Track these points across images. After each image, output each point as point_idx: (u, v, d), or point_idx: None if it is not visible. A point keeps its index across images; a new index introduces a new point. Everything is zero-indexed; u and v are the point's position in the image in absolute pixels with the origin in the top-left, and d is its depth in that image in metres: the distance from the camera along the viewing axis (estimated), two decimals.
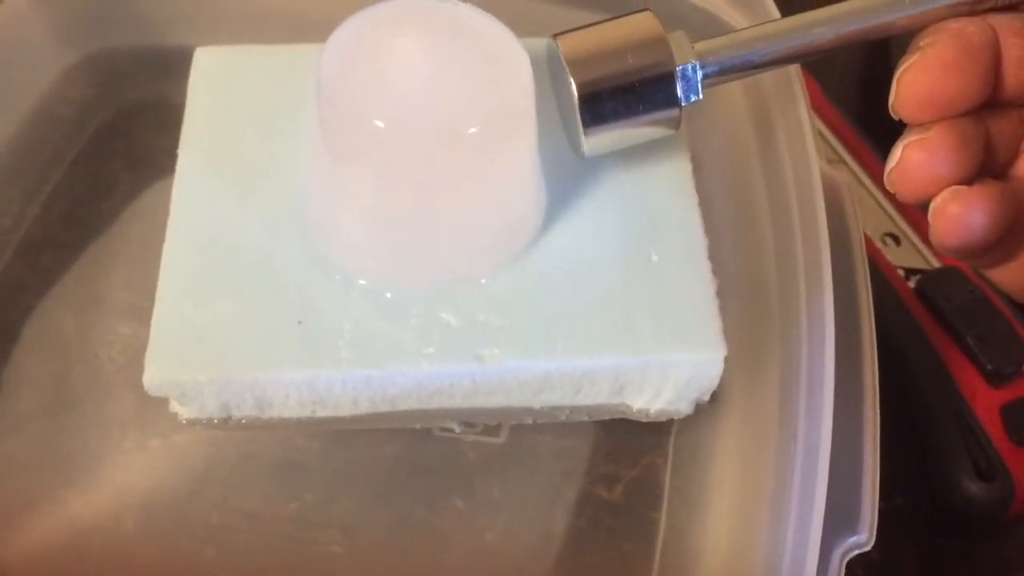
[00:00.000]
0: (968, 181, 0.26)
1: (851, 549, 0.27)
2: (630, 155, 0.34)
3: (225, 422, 0.33)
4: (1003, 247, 0.27)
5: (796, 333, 0.32)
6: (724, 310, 0.33)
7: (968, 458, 0.38)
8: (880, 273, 0.42)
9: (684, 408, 0.34)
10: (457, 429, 0.35)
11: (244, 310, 0.32)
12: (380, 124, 0.29)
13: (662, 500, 0.34)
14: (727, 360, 0.35)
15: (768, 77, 0.36)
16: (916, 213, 0.44)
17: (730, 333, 0.36)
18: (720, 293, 0.34)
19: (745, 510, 0.32)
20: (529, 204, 0.33)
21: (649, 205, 0.34)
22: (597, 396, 0.33)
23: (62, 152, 0.41)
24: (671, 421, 0.36)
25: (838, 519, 0.28)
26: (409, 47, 0.30)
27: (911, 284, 0.42)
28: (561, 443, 0.35)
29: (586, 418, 0.34)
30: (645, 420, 0.34)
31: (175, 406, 0.33)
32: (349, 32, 0.30)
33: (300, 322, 0.31)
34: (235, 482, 0.34)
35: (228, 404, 0.32)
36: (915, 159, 0.26)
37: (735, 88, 0.38)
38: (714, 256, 0.37)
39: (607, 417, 0.34)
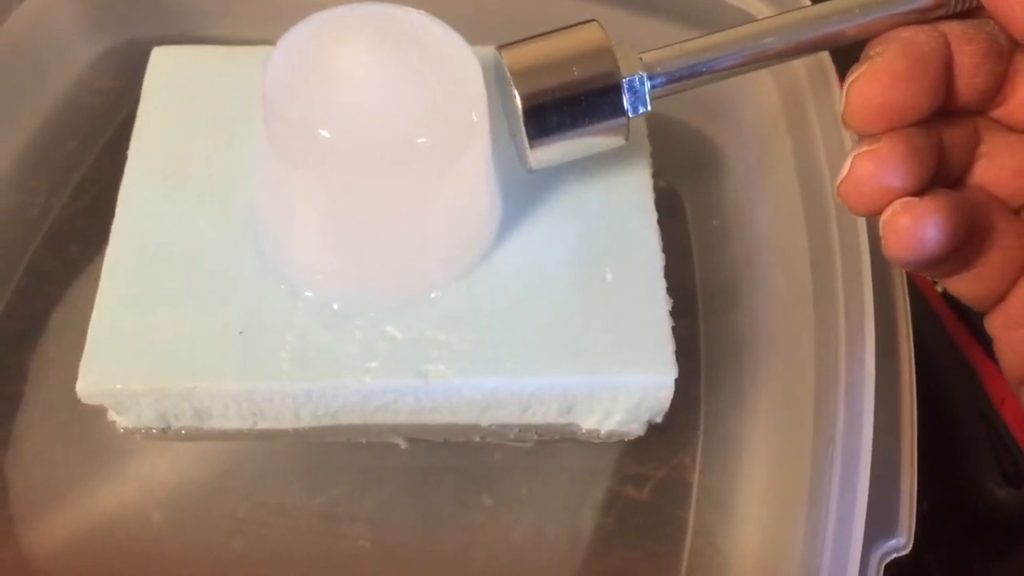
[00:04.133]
0: (920, 192, 0.25)
1: (889, 553, 0.27)
2: (589, 170, 0.34)
3: (164, 432, 0.32)
4: (958, 257, 0.26)
5: (833, 335, 0.31)
6: (758, 302, 0.33)
7: (996, 463, 0.37)
8: (908, 277, 0.42)
9: (636, 429, 0.33)
10: (403, 445, 0.34)
11: (184, 319, 0.31)
12: (326, 134, 0.28)
13: (690, 500, 0.34)
14: (758, 361, 0.35)
15: (801, 65, 0.35)
16: None
17: (762, 334, 0.36)
18: (751, 294, 0.34)
19: (777, 513, 0.32)
20: (481, 218, 0.32)
21: (606, 222, 0.33)
22: (545, 415, 0.33)
23: (89, 143, 0.41)
24: (699, 421, 0.35)
25: (876, 523, 0.27)
26: (358, 55, 0.29)
27: (939, 289, 0.41)
28: (589, 443, 0.35)
29: (536, 437, 0.34)
30: (596, 441, 0.34)
31: (113, 415, 0.32)
32: (297, 38, 0.29)
33: (242, 332, 0.31)
34: (262, 476, 0.34)
35: (166, 414, 0.32)
36: (864, 171, 0.25)
37: (764, 77, 0.38)
38: (746, 256, 0.37)
39: (557, 437, 0.34)
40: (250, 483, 0.34)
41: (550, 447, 0.35)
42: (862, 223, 0.31)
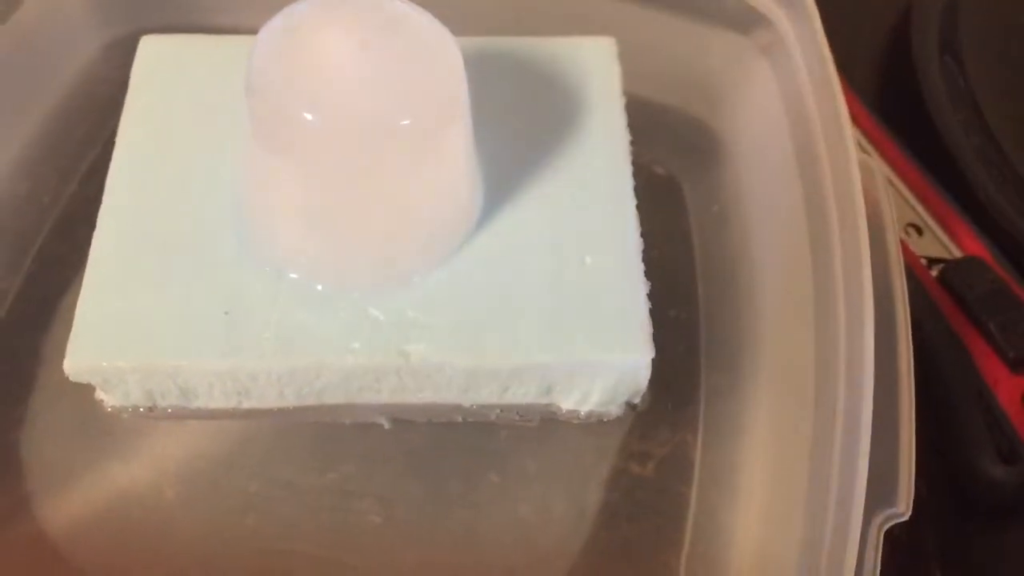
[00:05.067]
0: None
1: (889, 519, 0.28)
2: (569, 154, 0.35)
3: (150, 411, 0.33)
4: None
5: (832, 318, 0.32)
6: (757, 286, 0.34)
7: (991, 443, 0.38)
8: (905, 262, 0.42)
9: (615, 410, 0.34)
10: (387, 426, 0.35)
11: (170, 299, 0.32)
12: (309, 117, 0.29)
13: (693, 476, 0.35)
14: (758, 341, 0.36)
15: (799, 54, 0.36)
16: (939, 204, 0.44)
17: (762, 315, 0.37)
18: (751, 277, 0.35)
19: (780, 485, 0.33)
20: (462, 203, 0.33)
21: (586, 207, 0.34)
22: (525, 396, 0.33)
23: (97, 131, 0.41)
24: (700, 400, 0.36)
25: (875, 492, 0.28)
26: (340, 39, 0.30)
27: (934, 273, 0.42)
28: (594, 420, 0.36)
29: (516, 418, 0.35)
30: (576, 422, 0.34)
31: (100, 393, 0.33)
32: (280, 24, 0.30)
33: (227, 312, 0.31)
34: (272, 453, 0.35)
35: (152, 393, 0.32)
36: None
37: (763, 66, 0.39)
38: (746, 241, 0.38)
39: (538, 418, 0.35)
40: (261, 460, 0.34)
41: (555, 426, 0.35)
42: (860, 209, 0.32)
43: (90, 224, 0.39)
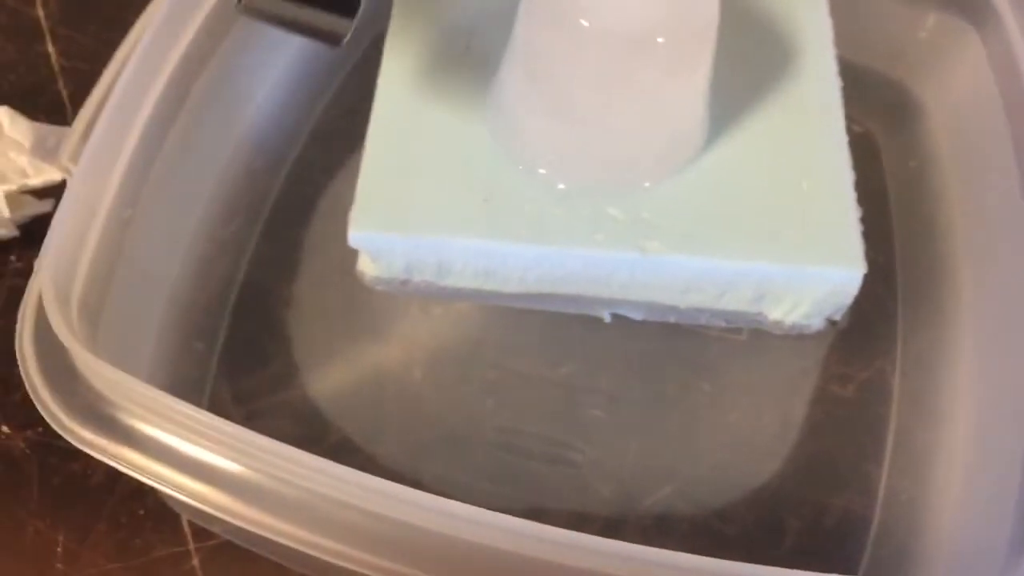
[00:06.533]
0: None
1: None
2: (785, 90, 0.37)
3: (403, 284, 0.36)
4: None
5: None
6: (957, 236, 0.36)
7: None
8: None
9: (816, 324, 0.36)
10: (607, 319, 0.37)
11: (437, 185, 0.35)
12: (584, 24, 0.32)
13: (892, 399, 0.37)
14: (955, 282, 0.39)
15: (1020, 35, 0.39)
16: None
17: (959, 258, 0.39)
18: (952, 222, 0.37)
19: (984, 410, 0.35)
20: (696, 121, 0.36)
21: (803, 140, 0.37)
22: (738, 302, 0.36)
23: (343, 60, 0.45)
24: (896, 332, 0.39)
25: None
26: None
27: None
28: (797, 343, 0.38)
29: (723, 323, 0.37)
30: (778, 332, 0.37)
31: (363, 263, 0.36)
32: None
33: (485, 200, 0.35)
34: (508, 347, 0.38)
35: (412, 266, 0.36)
36: None
37: (977, 44, 0.41)
38: (944, 192, 0.41)
39: (742, 325, 0.37)
40: (498, 351, 0.38)
41: (763, 343, 0.38)
42: None
43: (342, 135, 0.43)
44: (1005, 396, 0.35)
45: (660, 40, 0.33)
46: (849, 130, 0.44)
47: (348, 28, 0.30)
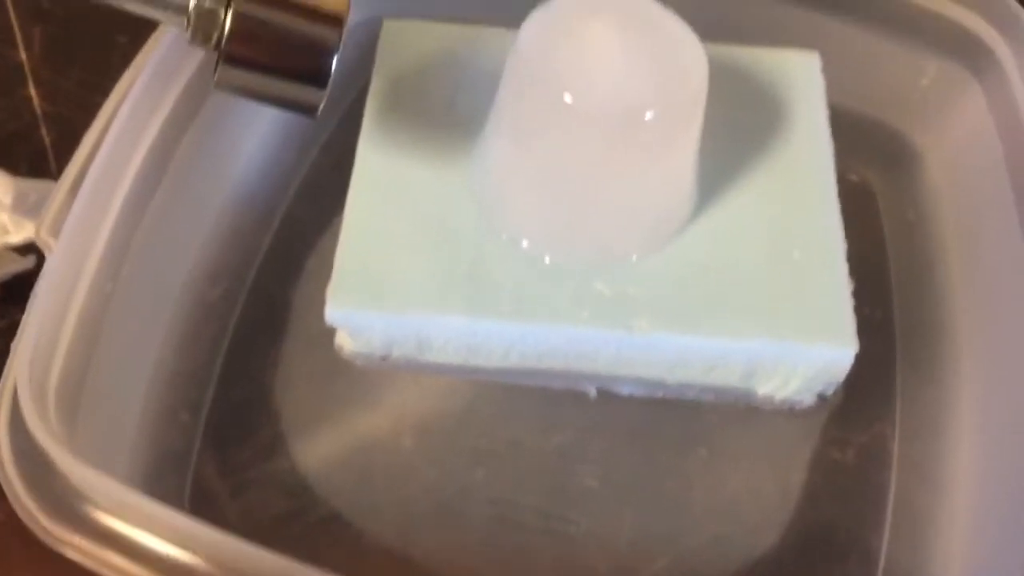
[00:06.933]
0: None
1: None
2: (776, 157, 0.37)
3: (384, 360, 0.36)
4: None
5: None
6: (957, 290, 0.35)
7: None
8: None
9: (807, 399, 0.36)
10: (593, 394, 0.37)
11: (418, 258, 0.35)
12: (569, 100, 0.32)
13: (892, 465, 0.37)
14: (955, 338, 0.38)
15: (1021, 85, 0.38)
16: None
17: (959, 314, 0.39)
18: (951, 276, 0.36)
19: (987, 479, 0.34)
20: (684, 193, 0.36)
21: (793, 207, 0.36)
22: (728, 377, 0.36)
23: (331, 109, 0.44)
24: (895, 393, 0.38)
25: None
26: (602, 33, 0.32)
27: None
28: (786, 408, 0.37)
29: (712, 398, 0.37)
30: (769, 408, 0.36)
31: (341, 339, 0.36)
32: (548, 13, 0.33)
33: (467, 274, 0.34)
34: (500, 415, 0.37)
35: (391, 342, 0.35)
36: None
37: (978, 94, 0.40)
38: (943, 245, 0.40)
39: (732, 400, 0.37)
40: (489, 420, 0.37)
41: (759, 410, 0.38)
42: None
43: (329, 191, 0.42)
44: (1007, 460, 0.34)
45: (648, 117, 0.32)
46: (847, 180, 0.44)
47: (321, 98, 0.30)
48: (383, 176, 0.37)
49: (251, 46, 0.28)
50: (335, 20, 0.29)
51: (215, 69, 0.29)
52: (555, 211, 0.35)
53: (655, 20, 0.33)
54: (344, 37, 0.29)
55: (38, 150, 0.47)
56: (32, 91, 0.49)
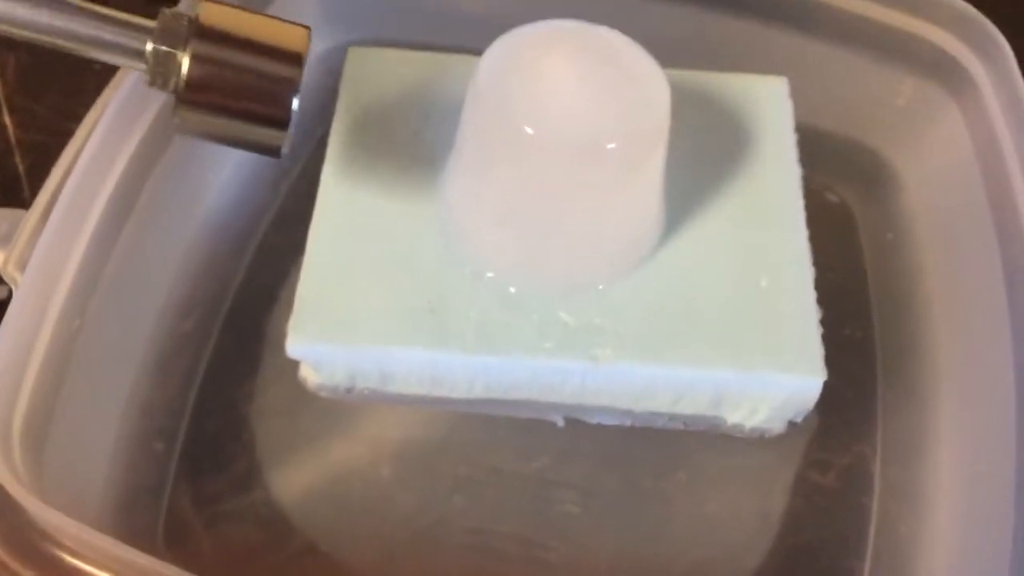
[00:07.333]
0: None
1: None
2: (744, 184, 0.37)
3: (348, 392, 0.35)
4: None
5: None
6: (936, 310, 0.35)
7: None
8: None
9: (777, 427, 0.36)
10: (560, 424, 0.36)
11: (380, 290, 0.34)
12: (529, 131, 0.31)
13: (874, 488, 0.36)
14: (936, 358, 0.38)
15: (997, 105, 0.38)
16: None
17: (939, 334, 0.38)
18: (931, 296, 0.36)
19: (969, 501, 0.34)
20: (650, 221, 0.35)
21: (761, 233, 0.36)
22: (696, 407, 0.35)
23: (308, 135, 0.44)
24: (877, 414, 0.38)
25: None
26: (561, 64, 0.32)
27: None
28: (756, 436, 0.37)
29: (681, 427, 0.36)
30: (738, 435, 0.36)
31: (304, 371, 0.35)
32: (506, 45, 0.33)
33: (430, 306, 0.34)
34: (478, 441, 0.37)
35: (355, 375, 0.35)
36: None
37: (955, 114, 0.40)
38: (922, 264, 0.40)
39: (702, 428, 0.36)
40: (468, 446, 0.37)
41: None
42: None
43: (303, 219, 0.42)
44: (988, 479, 0.34)
45: (610, 146, 0.32)
46: (826, 199, 0.44)
47: (282, 139, 0.29)
48: (346, 207, 0.36)
49: (210, 91, 0.28)
50: (294, 58, 0.28)
51: (174, 113, 0.28)
52: (519, 242, 0.35)
53: (616, 49, 0.33)
54: (304, 76, 0.28)
55: (12, 176, 0.46)
56: (6, 118, 0.49)
